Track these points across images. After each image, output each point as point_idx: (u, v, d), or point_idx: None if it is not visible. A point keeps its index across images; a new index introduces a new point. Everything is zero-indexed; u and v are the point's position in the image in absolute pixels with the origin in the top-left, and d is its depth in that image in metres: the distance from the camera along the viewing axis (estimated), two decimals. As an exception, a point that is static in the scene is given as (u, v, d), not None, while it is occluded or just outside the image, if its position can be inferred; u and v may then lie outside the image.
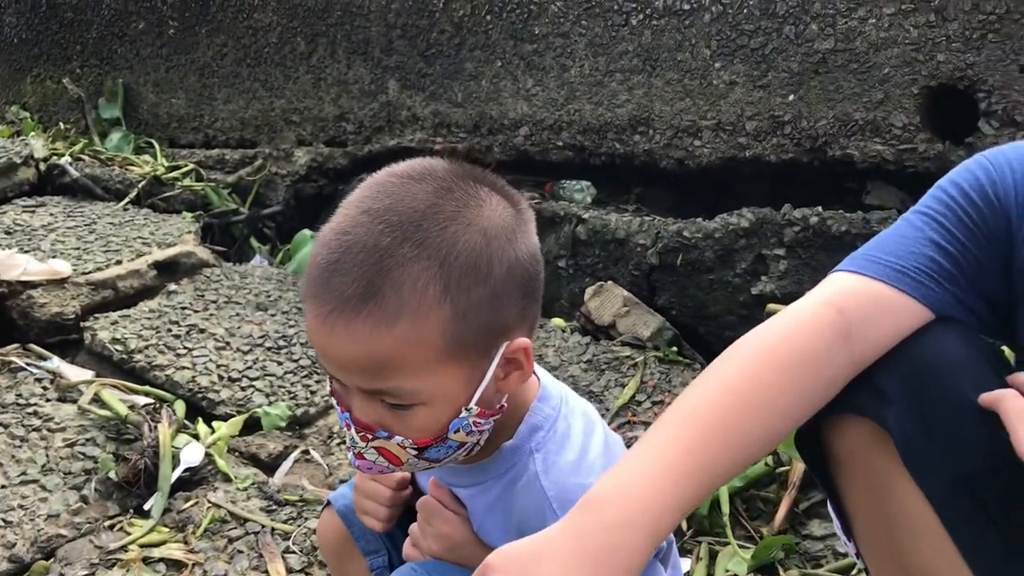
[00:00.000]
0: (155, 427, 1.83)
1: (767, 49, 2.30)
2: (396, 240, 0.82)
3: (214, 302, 2.46)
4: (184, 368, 2.15)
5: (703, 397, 0.84)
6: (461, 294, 0.83)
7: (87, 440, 1.85)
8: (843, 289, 0.91)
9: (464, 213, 0.85)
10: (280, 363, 2.20)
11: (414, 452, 0.89)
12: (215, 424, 1.97)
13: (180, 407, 2.00)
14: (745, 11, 2.32)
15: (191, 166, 3.30)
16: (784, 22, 2.27)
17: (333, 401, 0.92)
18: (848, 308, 0.88)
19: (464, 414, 0.88)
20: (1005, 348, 0.97)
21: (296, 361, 2.21)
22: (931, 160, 2.14)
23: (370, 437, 0.88)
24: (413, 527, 1.03)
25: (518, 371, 0.90)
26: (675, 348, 2.18)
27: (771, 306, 1.98)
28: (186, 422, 1.96)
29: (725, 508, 1.59)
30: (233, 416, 2.01)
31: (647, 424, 1.90)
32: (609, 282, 2.37)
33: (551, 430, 0.95)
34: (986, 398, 0.82)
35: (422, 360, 0.83)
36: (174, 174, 3.25)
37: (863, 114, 2.19)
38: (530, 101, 2.70)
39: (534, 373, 0.97)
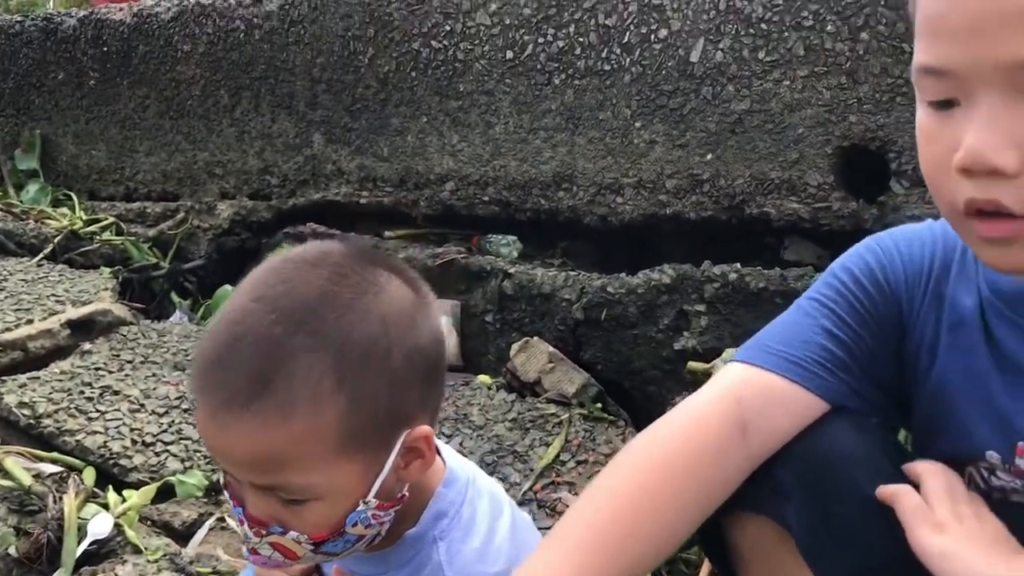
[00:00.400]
0: (60, 498, 1.76)
1: (685, 109, 2.35)
2: (288, 330, 0.79)
3: (130, 362, 2.39)
4: (96, 433, 2.07)
5: (600, 500, 0.83)
6: (357, 386, 0.80)
7: (-13, 513, 1.77)
8: (738, 381, 0.90)
9: (361, 300, 0.83)
10: (196, 426, 2.13)
11: (310, 547, 0.86)
12: (127, 492, 1.90)
13: (90, 475, 1.93)
14: (664, 72, 2.36)
15: (111, 219, 3.22)
16: (701, 83, 2.32)
17: (226, 494, 0.89)
18: (744, 401, 0.88)
19: (362, 507, 0.85)
20: (901, 432, 0.99)
21: (214, 423, 2.14)
22: (845, 218, 2.20)
23: (264, 532, 0.84)
24: None
25: (419, 460, 0.88)
26: (600, 405, 2.18)
27: (691, 364, 2.00)
28: (96, 490, 1.89)
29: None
30: (146, 483, 1.94)
31: (571, 484, 1.89)
32: (535, 338, 2.36)
33: (455, 517, 0.93)
34: (882, 493, 0.83)
35: (316, 455, 0.80)
36: (93, 228, 3.17)
37: (779, 173, 2.24)
38: (456, 156, 2.70)
39: (439, 455, 0.95)
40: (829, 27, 2.14)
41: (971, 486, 0.88)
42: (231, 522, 1.86)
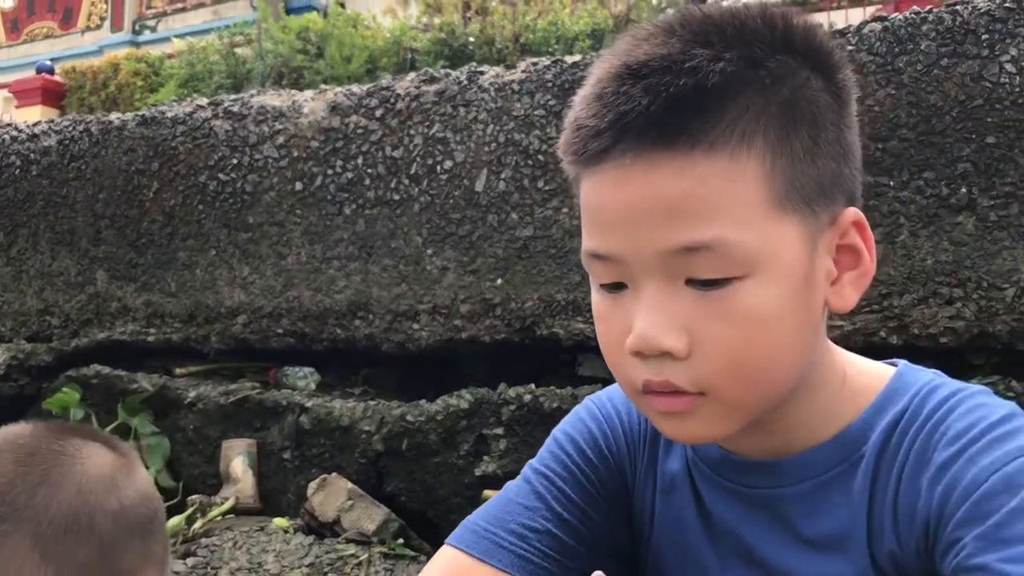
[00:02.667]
0: None
1: (474, 236, 2.41)
2: None
3: None
4: None
5: None
6: (64, 558, 0.79)
7: None
8: None
9: (52, 473, 0.81)
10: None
11: None
12: None
13: None
14: (451, 201, 2.42)
15: None
16: (487, 211, 2.39)
17: None
18: None
19: None
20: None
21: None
22: (628, 335, 2.28)
23: None
24: None
25: None
26: (401, 540, 2.14)
27: (486, 493, 2.00)
28: None
29: None
30: None
31: (370, 630, 1.83)
32: (334, 474, 2.30)
33: None
34: None
35: None
36: None
37: (564, 295, 2.32)
38: (247, 289, 2.65)
39: None
40: (600, 157, 2.26)
41: None
42: None
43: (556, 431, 0.92)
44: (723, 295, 0.71)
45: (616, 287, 0.75)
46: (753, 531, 0.81)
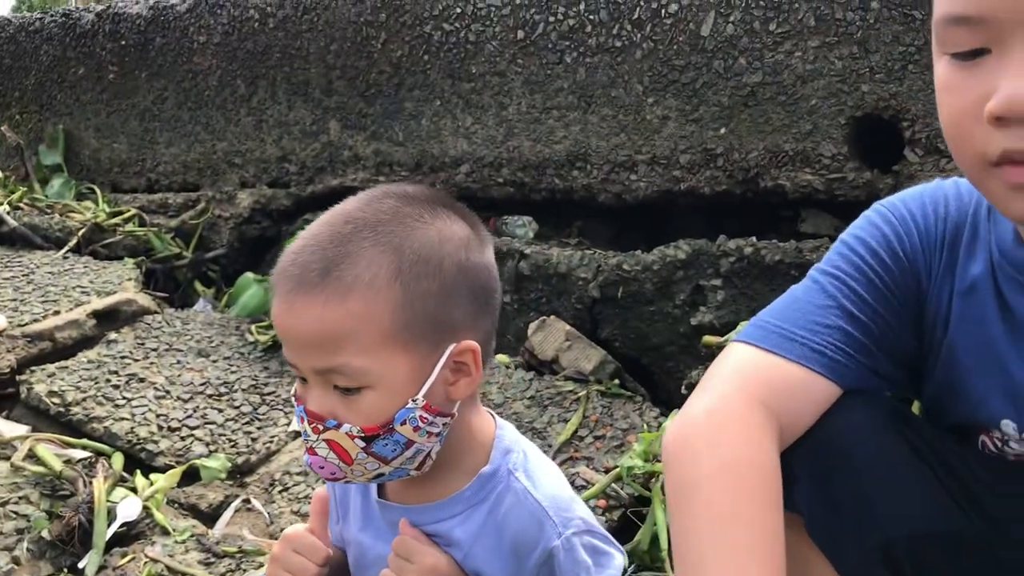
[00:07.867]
0: (90, 482, 1.80)
1: (698, 84, 2.34)
2: (357, 229, 0.91)
3: (155, 350, 2.44)
4: (123, 419, 2.12)
5: (700, 538, 0.79)
6: (412, 281, 0.91)
7: (20, 498, 1.81)
8: (763, 378, 0.86)
9: (423, 215, 0.94)
10: (221, 410, 2.17)
11: (362, 445, 0.92)
12: (153, 476, 1.94)
13: (118, 460, 1.97)
14: (675, 47, 2.36)
15: (133, 211, 3.27)
16: (713, 57, 2.31)
17: (295, 403, 0.97)
18: (772, 403, 0.85)
19: (411, 405, 0.92)
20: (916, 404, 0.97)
21: (237, 408, 2.18)
22: (860, 188, 2.19)
23: (321, 428, 0.92)
24: (386, 572, 1.01)
25: (467, 378, 0.95)
26: (617, 381, 2.19)
27: (707, 338, 2.01)
28: (124, 475, 1.93)
29: (663, 542, 1.59)
30: (172, 467, 1.99)
31: (589, 459, 1.91)
32: (552, 317, 2.38)
33: (521, 451, 1.01)
34: None
35: (371, 337, 0.90)
36: (116, 220, 3.22)
37: (792, 145, 2.23)
38: (470, 139, 2.71)
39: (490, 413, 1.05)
40: (839, -4, 2.12)
41: (984, 451, 0.88)
42: (256, 503, 1.90)
43: (845, 235, 0.93)
44: None
45: (973, 55, 0.72)
46: None
